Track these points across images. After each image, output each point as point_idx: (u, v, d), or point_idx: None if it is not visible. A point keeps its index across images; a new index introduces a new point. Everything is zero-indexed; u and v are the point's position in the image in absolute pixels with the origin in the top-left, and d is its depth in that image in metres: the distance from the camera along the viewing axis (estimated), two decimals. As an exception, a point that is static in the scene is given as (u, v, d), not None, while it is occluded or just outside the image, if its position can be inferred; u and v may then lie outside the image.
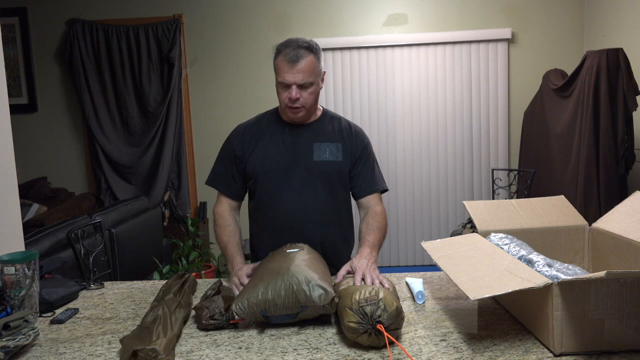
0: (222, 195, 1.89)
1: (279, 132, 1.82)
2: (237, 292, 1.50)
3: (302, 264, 1.41)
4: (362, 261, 1.53)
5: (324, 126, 1.84)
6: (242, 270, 1.63)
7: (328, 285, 1.34)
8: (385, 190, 1.88)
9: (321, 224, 1.78)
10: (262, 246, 1.85)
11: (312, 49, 1.72)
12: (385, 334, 1.15)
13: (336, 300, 1.31)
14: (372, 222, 1.76)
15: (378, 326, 1.15)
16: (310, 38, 1.76)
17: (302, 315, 1.32)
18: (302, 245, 1.59)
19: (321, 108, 1.89)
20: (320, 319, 1.37)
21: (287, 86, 1.70)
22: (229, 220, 1.84)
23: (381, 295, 1.19)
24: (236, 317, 1.32)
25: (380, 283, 1.41)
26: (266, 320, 1.32)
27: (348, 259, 1.89)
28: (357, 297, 1.20)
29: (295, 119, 1.79)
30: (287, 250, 1.53)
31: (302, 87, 1.70)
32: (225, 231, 1.82)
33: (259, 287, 1.33)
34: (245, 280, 1.57)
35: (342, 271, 1.55)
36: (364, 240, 1.70)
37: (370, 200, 1.83)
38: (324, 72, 1.80)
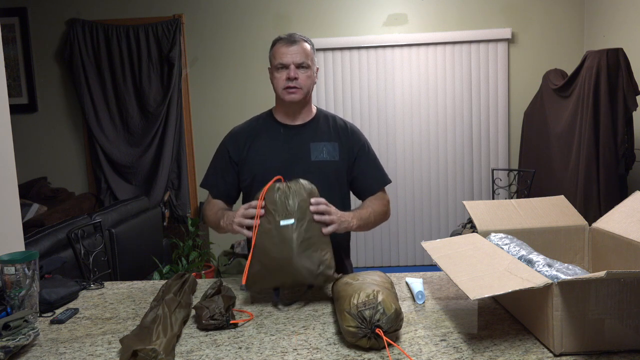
0: (212, 197, 1.89)
1: (275, 132, 1.83)
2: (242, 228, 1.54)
3: (302, 249, 1.44)
4: (343, 214, 1.62)
5: (320, 125, 1.85)
6: (238, 210, 1.58)
7: (329, 270, 1.47)
8: (389, 182, 1.92)
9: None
10: None
11: (308, 41, 1.81)
12: (385, 338, 1.15)
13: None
14: (370, 202, 1.84)
15: (377, 330, 1.15)
16: None
17: (307, 294, 1.52)
18: (291, 211, 1.47)
19: (315, 107, 1.90)
20: (320, 319, 1.37)
21: (285, 67, 1.74)
22: (215, 201, 1.86)
23: (380, 298, 1.19)
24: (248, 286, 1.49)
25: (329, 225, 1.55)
26: (277, 299, 1.48)
27: (347, 256, 1.93)
28: (355, 301, 1.20)
29: (292, 101, 1.78)
30: (281, 224, 1.45)
31: (299, 67, 1.75)
32: (213, 208, 1.82)
33: (268, 278, 1.47)
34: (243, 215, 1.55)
35: (320, 206, 1.51)
36: (358, 208, 1.79)
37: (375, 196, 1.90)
38: (317, 68, 1.83)
